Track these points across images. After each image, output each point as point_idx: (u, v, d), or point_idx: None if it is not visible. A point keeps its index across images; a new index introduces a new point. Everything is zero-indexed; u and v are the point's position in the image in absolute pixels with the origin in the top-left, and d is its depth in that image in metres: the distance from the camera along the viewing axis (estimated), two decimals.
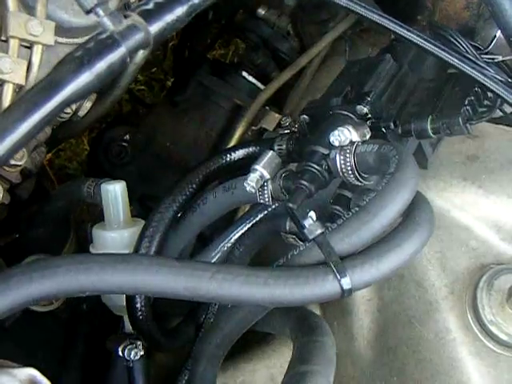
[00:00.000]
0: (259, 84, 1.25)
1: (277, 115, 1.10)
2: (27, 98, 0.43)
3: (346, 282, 0.57)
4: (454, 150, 0.87)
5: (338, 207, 0.72)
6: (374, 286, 0.87)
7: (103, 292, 0.54)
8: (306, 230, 0.60)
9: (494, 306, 0.77)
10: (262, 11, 1.27)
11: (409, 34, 0.68)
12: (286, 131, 0.79)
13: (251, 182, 0.70)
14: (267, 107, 1.14)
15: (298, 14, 1.32)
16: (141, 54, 0.84)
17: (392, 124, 0.71)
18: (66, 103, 0.44)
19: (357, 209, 0.59)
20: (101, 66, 0.45)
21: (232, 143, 1.10)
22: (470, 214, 0.82)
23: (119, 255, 0.56)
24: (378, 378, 0.88)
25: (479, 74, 0.67)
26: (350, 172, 0.67)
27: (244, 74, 1.26)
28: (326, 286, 0.57)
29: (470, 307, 0.79)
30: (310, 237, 0.60)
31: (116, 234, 0.82)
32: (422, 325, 0.82)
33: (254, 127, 1.11)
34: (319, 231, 0.60)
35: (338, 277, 0.57)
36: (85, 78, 0.45)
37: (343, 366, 0.92)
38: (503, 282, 0.77)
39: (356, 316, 0.90)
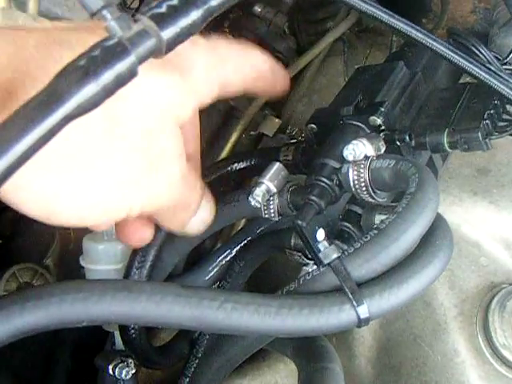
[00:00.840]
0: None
1: (277, 120, 1.05)
2: (24, 114, 0.38)
3: (364, 311, 0.53)
4: (463, 162, 0.84)
5: (347, 224, 0.68)
6: None
7: (102, 322, 0.50)
8: (321, 254, 0.56)
9: (506, 329, 0.73)
10: (258, 9, 1.22)
11: (426, 38, 0.64)
12: (292, 141, 0.74)
13: (257, 196, 0.65)
14: (266, 111, 1.09)
15: (294, 12, 1.27)
16: None
17: (407, 137, 0.67)
18: (69, 119, 0.39)
19: (375, 232, 0.55)
20: (108, 76, 0.40)
21: (228, 147, 1.05)
22: (480, 230, 0.79)
23: (119, 282, 0.51)
24: None
25: (503, 86, 0.63)
26: (364, 188, 0.63)
27: None
28: (342, 315, 0.53)
29: (480, 329, 0.75)
30: (326, 261, 0.55)
31: (109, 246, 0.77)
32: (429, 345, 0.78)
33: (252, 132, 1.06)
34: (335, 255, 0.55)
35: (355, 305, 0.53)
36: (90, 90, 0.40)
37: None
38: None
39: (357, 333, 0.87)
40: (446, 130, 0.67)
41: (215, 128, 1.11)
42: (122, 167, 0.51)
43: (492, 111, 0.68)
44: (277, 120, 1.04)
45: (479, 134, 0.66)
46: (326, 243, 0.59)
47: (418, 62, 0.78)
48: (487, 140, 0.67)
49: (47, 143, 0.39)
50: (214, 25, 1.36)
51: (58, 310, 0.47)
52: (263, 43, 1.24)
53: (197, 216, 0.63)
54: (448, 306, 0.77)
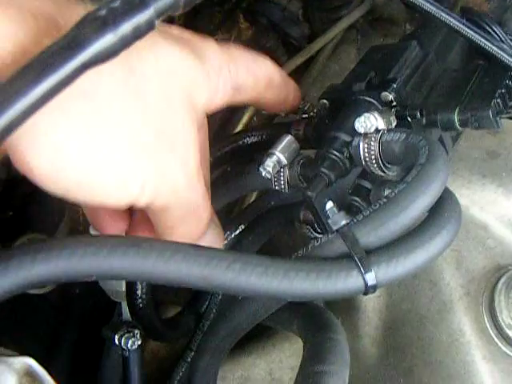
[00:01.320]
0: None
1: None
2: (43, 59, 0.39)
3: (371, 278, 0.53)
4: (473, 145, 0.84)
5: (356, 198, 0.68)
6: None
7: (111, 278, 0.50)
8: (330, 221, 0.57)
9: None
10: None
11: (442, 14, 0.64)
12: (303, 115, 0.75)
13: (267, 166, 0.66)
14: None
15: None
16: None
17: (418, 113, 0.67)
18: (86, 66, 0.40)
19: (385, 200, 0.55)
20: (126, 27, 0.41)
21: (239, 128, 1.05)
22: (488, 213, 0.79)
23: (130, 238, 0.52)
24: (383, 378, 0.84)
25: None
26: (374, 161, 0.63)
27: None
28: (349, 281, 0.53)
29: (486, 310, 0.75)
30: (334, 228, 0.56)
31: None
32: (434, 325, 0.78)
33: (264, 111, 1.06)
34: (344, 222, 0.56)
35: (363, 271, 0.53)
36: (108, 40, 0.40)
37: None
38: None
39: (363, 313, 0.87)
40: (457, 107, 0.67)
41: (227, 108, 1.11)
42: (136, 131, 0.51)
43: (503, 90, 0.68)
44: None
45: (490, 112, 0.66)
46: (335, 209, 0.60)
47: (432, 42, 0.78)
48: (498, 118, 0.67)
49: (63, 89, 0.40)
50: (229, 8, 1.37)
51: (68, 263, 0.47)
52: (277, 28, 1.24)
53: (206, 237, 0.62)
54: (454, 286, 0.78)
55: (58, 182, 0.49)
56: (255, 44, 1.23)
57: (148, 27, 0.42)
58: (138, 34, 0.42)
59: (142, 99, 0.51)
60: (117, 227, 0.64)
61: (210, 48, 0.59)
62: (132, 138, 0.51)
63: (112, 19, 0.40)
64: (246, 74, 0.63)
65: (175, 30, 0.59)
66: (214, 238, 0.63)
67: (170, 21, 1.24)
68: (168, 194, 0.54)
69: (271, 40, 1.24)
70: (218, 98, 0.60)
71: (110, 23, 0.40)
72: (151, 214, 0.57)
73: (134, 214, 0.64)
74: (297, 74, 1.18)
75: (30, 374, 0.50)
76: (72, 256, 0.47)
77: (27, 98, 0.38)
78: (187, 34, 0.60)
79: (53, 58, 0.39)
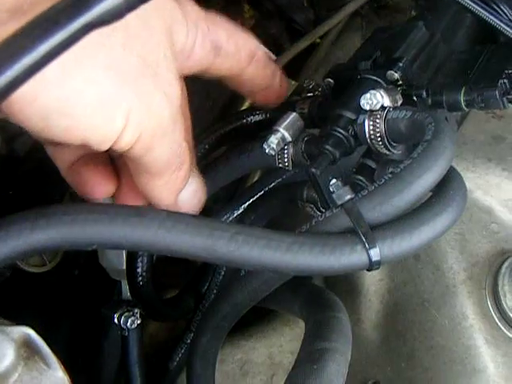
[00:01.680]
0: (271, 54, 1.19)
1: (293, 82, 1.04)
2: (48, 16, 0.38)
3: (376, 253, 0.53)
4: (478, 129, 0.83)
5: (360, 177, 0.68)
6: (385, 265, 0.83)
7: (112, 246, 0.50)
8: (334, 195, 0.56)
9: None
10: None
11: None
12: (308, 94, 0.74)
13: (271, 143, 0.65)
14: None
15: None
16: None
17: (424, 93, 0.67)
18: (92, 26, 0.39)
19: (390, 176, 0.55)
20: None
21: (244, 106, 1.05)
22: (492, 197, 0.79)
23: (132, 207, 0.51)
24: (384, 362, 0.84)
25: None
26: (379, 139, 0.62)
27: None
28: (353, 256, 0.52)
29: (489, 293, 0.75)
30: (339, 202, 0.55)
31: None
32: (437, 309, 0.78)
33: None
34: (348, 197, 0.55)
35: (367, 247, 0.52)
36: (114, 1, 0.40)
37: None
38: None
39: (364, 297, 0.86)
40: (463, 88, 0.67)
41: (229, 92, 1.11)
42: (118, 57, 0.49)
43: (510, 71, 0.67)
44: (293, 82, 1.04)
45: (496, 92, 0.65)
46: (339, 184, 0.59)
47: (438, 24, 0.77)
48: (504, 99, 0.66)
49: (69, 48, 0.39)
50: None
51: (69, 230, 0.47)
52: (282, 14, 1.24)
53: (187, 188, 0.60)
54: (457, 270, 0.77)
55: (38, 111, 0.46)
56: (259, 29, 1.22)
57: None
58: None
59: (121, 24, 0.50)
60: (104, 190, 0.62)
61: (189, 2, 0.59)
62: (112, 61, 0.49)
63: None
64: (226, 38, 0.62)
65: None
66: (197, 187, 0.62)
67: None
68: (153, 128, 0.52)
69: (275, 26, 1.23)
70: (197, 51, 0.59)
71: None
72: (134, 161, 0.54)
73: (121, 178, 0.62)
74: (300, 60, 1.17)
75: (28, 344, 0.49)
76: (73, 223, 0.47)
77: (33, 54, 0.37)
78: None
79: (58, 17, 0.38)
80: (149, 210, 0.50)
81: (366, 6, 1.27)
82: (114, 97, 0.49)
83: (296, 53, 1.14)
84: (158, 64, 0.53)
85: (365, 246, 0.52)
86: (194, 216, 0.51)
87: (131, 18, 0.49)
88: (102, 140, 0.50)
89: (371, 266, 0.53)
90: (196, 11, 0.59)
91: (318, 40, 1.20)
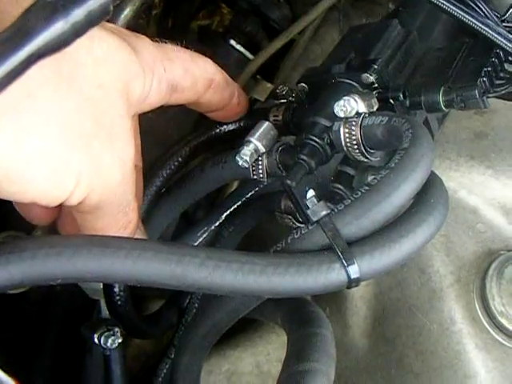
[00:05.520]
0: (248, 53, 1.17)
1: (268, 85, 1.02)
2: None
3: (354, 271, 0.50)
4: (460, 127, 0.81)
5: (339, 185, 0.65)
6: None
7: (77, 280, 0.47)
8: (309, 211, 0.54)
9: (504, 297, 0.71)
10: None
11: None
12: (282, 100, 0.72)
13: (244, 155, 0.63)
14: (258, 76, 1.06)
15: None
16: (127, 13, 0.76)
17: (401, 95, 0.64)
18: (36, 57, 0.37)
19: (366, 188, 0.52)
20: (78, 13, 0.38)
21: None
22: (477, 196, 0.77)
23: (96, 237, 0.49)
24: (373, 369, 0.82)
25: (501, 38, 0.60)
26: (356, 146, 0.60)
27: (232, 42, 1.17)
28: (331, 274, 0.50)
29: (477, 297, 0.73)
30: (314, 218, 0.53)
31: None
32: (424, 314, 0.76)
33: None
34: (324, 212, 0.53)
35: (345, 264, 0.50)
36: (59, 28, 0.37)
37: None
38: None
39: (351, 303, 0.84)
40: (442, 88, 0.64)
41: None
42: (70, 119, 0.48)
43: (489, 68, 0.65)
44: (268, 85, 1.02)
45: (476, 92, 0.63)
46: (314, 200, 0.57)
47: (413, 21, 0.75)
48: (484, 98, 0.64)
49: (13, 81, 0.36)
50: None
51: (30, 266, 0.44)
52: (257, 12, 1.21)
53: None
54: (444, 273, 0.75)
55: None
56: (235, 28, 1.19)
57: (103, 13, 0.39)
58: (92, 21, 0.38)
59: (75, 86, 0.48)
60: (45, 220, 0.62)
61: (145, 44, 0.58)
62: (65, 126, 0.47)
63: (63, 5, 0.37)
64: (182, 73, 0.62)
65: (112, 25, 0.58)
66: None
67: (149, 6, 1.21)
68: (103, 188, 0.51)
69: (251, 24, 1.20)
70: (153, 95, 0.58)
71: (61, 9, 0.37)
72: (80, 215, 0.54)
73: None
74: (277, 58, 1.14)
75: None
76: (34, 258, 0.45)
77: None
78: (123, 30, 0.59)
79: (0, 48, 0.36)
80: (114, 240, 0.47)
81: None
82: (64, 162, 0.48)
83: (273, 51, 1.11)
84: (113, 124, 0.52)
85: (343, 264, 0.50)
86: (162, 243, 0.48)
87: (85, 80, 0.49)
88: (51, 201, 0.49)
89: (350, 283, 0.51)
90: (152, 54, 0.58)
91: (297, 36, 1.17)
